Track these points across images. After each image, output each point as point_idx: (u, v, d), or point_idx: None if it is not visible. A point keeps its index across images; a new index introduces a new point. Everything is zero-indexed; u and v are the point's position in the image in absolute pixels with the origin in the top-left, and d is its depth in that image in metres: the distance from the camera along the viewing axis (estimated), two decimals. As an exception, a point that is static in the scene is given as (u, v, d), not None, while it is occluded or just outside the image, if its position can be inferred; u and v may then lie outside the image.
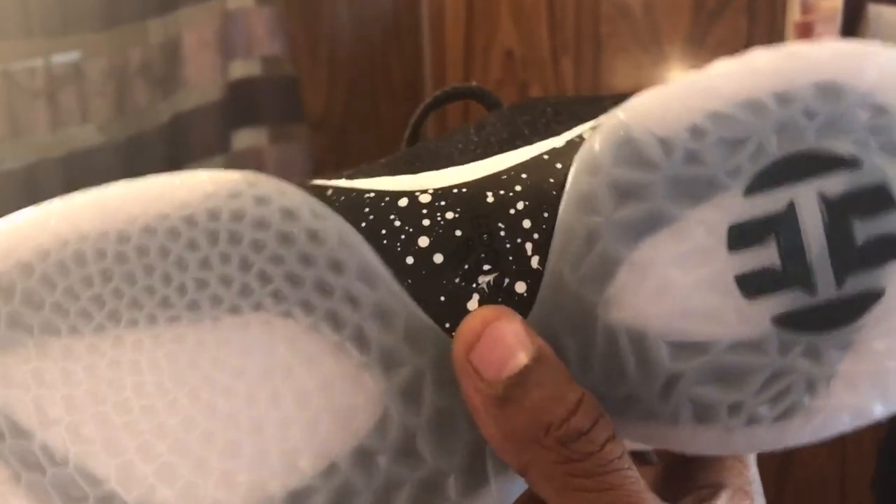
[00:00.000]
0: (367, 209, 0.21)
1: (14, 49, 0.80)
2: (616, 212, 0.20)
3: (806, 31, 1.32)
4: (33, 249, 0.20)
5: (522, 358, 0.19)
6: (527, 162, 0.22)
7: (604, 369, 0.20)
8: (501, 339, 0.19)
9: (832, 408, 0.20)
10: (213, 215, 0.20)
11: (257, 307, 0.20)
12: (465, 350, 0.19)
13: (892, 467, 1.35)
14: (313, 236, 0.20)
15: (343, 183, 0.22)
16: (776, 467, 1.49)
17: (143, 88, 0.91)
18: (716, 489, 0.22)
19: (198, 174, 0.20)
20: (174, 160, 0.97)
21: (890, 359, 0.19)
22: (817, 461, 1.46)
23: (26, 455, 0.20)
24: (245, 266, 0.20)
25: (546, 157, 0.22)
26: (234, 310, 0.20)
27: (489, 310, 0.19)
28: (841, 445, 1.45)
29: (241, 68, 1.01)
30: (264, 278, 0.20)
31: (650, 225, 0.20)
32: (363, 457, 0.20)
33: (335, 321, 0.20)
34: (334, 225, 0.20)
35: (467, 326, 0.19)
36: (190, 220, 0.20)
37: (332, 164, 1.10)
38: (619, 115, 0.20)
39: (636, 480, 0.19)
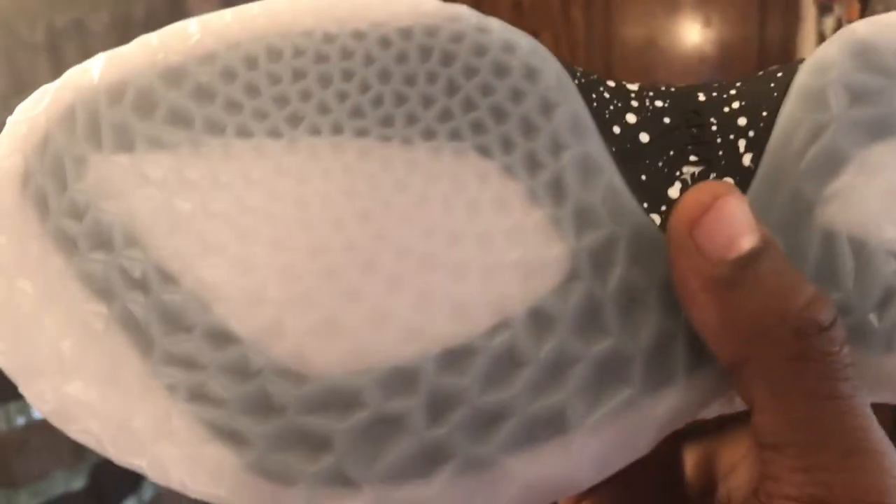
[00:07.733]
0: (577, 73, 0.20)
1: (15, 6, 0.76)
2: (848, 111, 0.19)
3: None
4: (223, 40, 0.18)
5: (752, 239, 0.16)
6: (738, 80, 0.21)
7: (816, 274, 0.18)
8: (732, 217, 0.17)
9: None
10: (431, 32, 0.19)
11: (454, 135, 0.18)
12: (688, 225, 0.17)
13: None
14: (530, 73, 0.19)
15: None
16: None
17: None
18: None
19: None
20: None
21: None
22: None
23: (132, 270, 0.17)
24: (451, 89, 0.19)
25: (760, 74, 0.21)
26: (429, 134, 0.18)
27: (718, 184, 0.17)
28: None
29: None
30: (469, 105, 0.19)
31: (884, 130, 0.19)
32: (539, 319, 0.18)
33: (533, 165, 0.18)
34: (553, 68, 0.19)
35: (692, 199, 0.17)
36: (405, 33, 0.19)
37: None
38: (856, 28, 0.20)
39: (864, 398, 0.16)
